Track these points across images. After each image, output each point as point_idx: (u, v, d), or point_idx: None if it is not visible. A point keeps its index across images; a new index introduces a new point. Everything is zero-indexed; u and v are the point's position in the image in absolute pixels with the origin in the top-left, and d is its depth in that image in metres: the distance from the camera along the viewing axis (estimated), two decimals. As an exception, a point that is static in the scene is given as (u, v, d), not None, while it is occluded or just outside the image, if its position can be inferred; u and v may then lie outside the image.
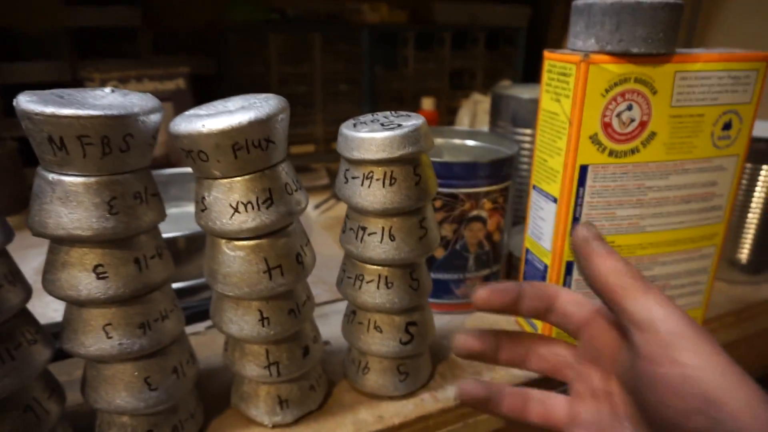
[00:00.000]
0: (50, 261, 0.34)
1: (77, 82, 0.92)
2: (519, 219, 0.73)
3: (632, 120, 0.44)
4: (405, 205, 0.38)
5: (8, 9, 1.03)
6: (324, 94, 1.19)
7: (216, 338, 0.53)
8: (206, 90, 1.08)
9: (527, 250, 0.53)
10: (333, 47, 1.19)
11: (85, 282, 0.33)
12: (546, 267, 0.49)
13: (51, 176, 0.31)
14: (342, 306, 0.59)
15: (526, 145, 0.72)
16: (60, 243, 0.33)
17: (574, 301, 0.32)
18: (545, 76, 0.48)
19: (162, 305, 0.36)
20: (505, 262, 0.61)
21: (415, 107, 1.27)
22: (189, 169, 0.78)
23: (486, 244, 0.57)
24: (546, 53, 0.48)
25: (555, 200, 0.47)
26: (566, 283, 0.49)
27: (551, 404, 0.33)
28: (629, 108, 0.44)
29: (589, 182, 0.45)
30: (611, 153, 0.45)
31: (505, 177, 0.56)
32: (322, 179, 1.01)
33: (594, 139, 0.44)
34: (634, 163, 0.45)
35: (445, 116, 1.29)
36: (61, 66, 0.95)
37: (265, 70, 1.14)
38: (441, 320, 0.57)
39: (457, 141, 0.66)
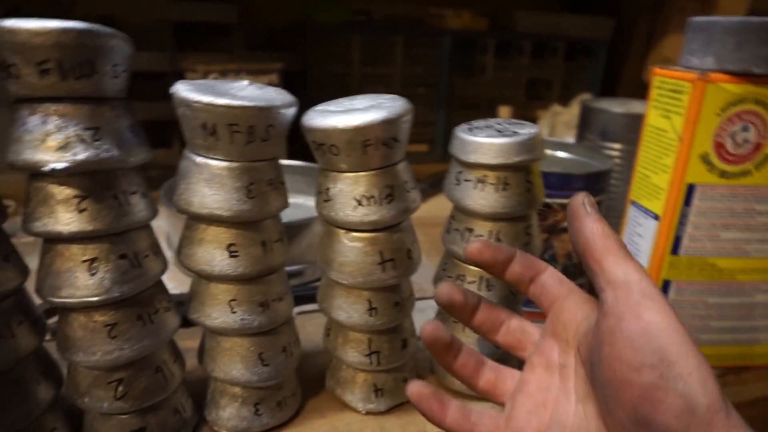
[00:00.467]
0: (187, 237, 0.37)
1: (177, 73, 0.98)
2: (602, 233, 0.72)
3: (746, 141, 0.44)
4: (515, 210, 0.39)
5: (116, 0, 1.11)
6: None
7: (305, 323, 0.55)
8: (290, 86, 1.12)
9: (619, 265, 0.53)
10: (414, 51, 1.20)
11: (218, 259, 0.35)
12: (640, 283, 0.49)
13: (198, 159, 0.34)
14: (427, 304, 0.61)
15: (616, 160, 0.71)
16: (199, 221, 0.36)
17: (557, 278, 0.34)
18: (654, 92, 0.48)
19: (279, 287, 0.39)
20: (589, 275, 0.61)
21: (490, 115, 1.27)
22: (289, 162, 0.81)
23: (575, 256, 0.57)
24: (656, 70, 0.48)
25: (657, 217, 0.47)
26: (661, 301, 0.48)
27: (503, 375, 0.34)
28: (745, 129, 0.43)
29: (695, 201, 0.45)
30: (722, 174, 0.44)
31: (600, 191, 0.55)
32: (397, 180, 1.03)
33: (704, 158, 0.44)
34: (744, 186, 0.45)
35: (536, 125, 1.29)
36: (161, 57, 1.01)
37: (346, 69, 1.17)
38: (522, 327, 0.57)
39: (548, 151, 0.66)
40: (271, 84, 0.91)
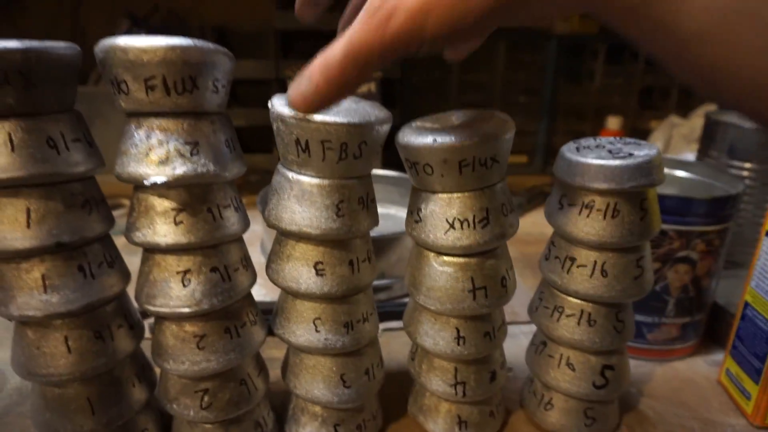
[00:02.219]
0: (276, 252, 0.36)
1: (280, 81, 1.01)
2: (727, 264, 0.64)
3: None
4: (625, 240, 0.35)
5: (227, 10, 1.16)
6: (502, 105, 1.17)
7: (390, 341, 0.54)
8: (388, 94, 1.12)
9: (747, 305, 0.46)
10: (516, 56, 1.16)
11: (305, 276, 0.35)
12: (774, 329, 0.42)
13: (291, 175, 0.34)
14: (519, 329, 0.57)
15: (746, 182, 0.63)
16: (288, 237, 0.35)
17: None
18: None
19: (364, 307, 0.38)
20: (708, 311, 0.54)
21: (596, 124, 1.19)
22: (374, 171, 0.81)
23: (691, 289, 0.51)
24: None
25: (799, 254, 0.40)
26: (800, 351, 0.41)
27: None
28: None
29: None
30: None
31: (726, 218, 0.49)
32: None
33: None
34: None
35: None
36: (266, 64, 1.05)
37: (445, 76, 1.15)
38: (627, 364, 0.52)
39: (664, 170, 0.59)
40: (369, 92, 0.91)
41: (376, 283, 0.61)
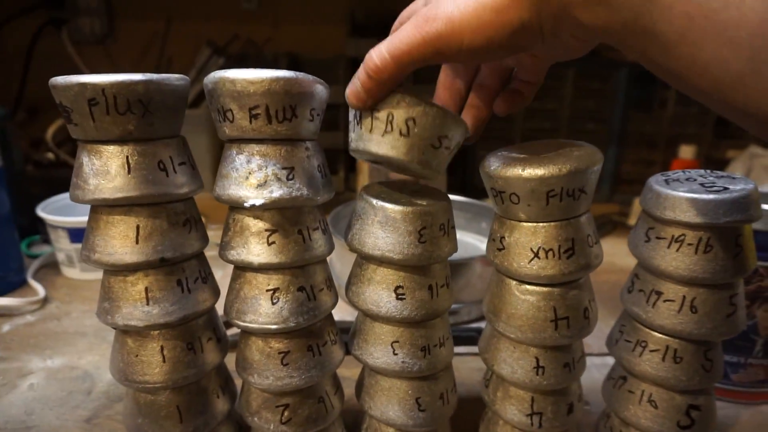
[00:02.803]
0: (357, 275, 0.37)
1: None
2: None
3: None
4: (718, 277, 0.34)
5: (301, 38, 1.22)
6: (569, 132, 1.15)
7: (458, 366, 0.54)
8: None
9: None
10: (585, 84, 1.14)
11: (385, 300, 0.35)
12: None
13: (375, 201, 0.35)
14: (591, 361, 0.56)
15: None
16: (370, 261, 0.36)
17: None
18: None
19: (441, 332, 0.38)
20: (800, 354, 0.51)
21: (670, 154, 1.15)
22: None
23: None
24: None
25: None
26: None
27: None
28: None
29: None
30: None
31: (822, 255, 0.46)
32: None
33: None
34: None
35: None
36: (337, 89, 1.08)
37: (511, 103, 1.15)
38: (709, 406, 0.50)
39: (750, 203, 0.57)
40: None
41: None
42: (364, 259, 0.37)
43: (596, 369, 0.56)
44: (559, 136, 1.15)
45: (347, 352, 0.39)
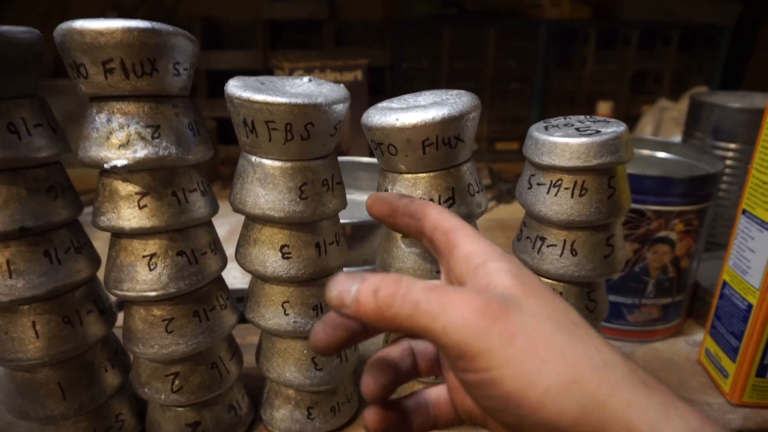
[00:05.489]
0: (244, 236, 0.36)
1: (268, 70, 1.01)
2: (710, 245, 0.64)
3: None
4: (594, 218, 0.35)
5: (215, 1, 1.16)
6: (492, 92, 1.16)
7: (372, 326, 0.54)
8: (378, 82, 1.12)
9: (725, 284, 0.46)
10: (507, 43, 1.15)
11: (271, 260, 0.35)
12: (750, 306, 0.42)
13: (253, 158, 0.34)
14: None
15: (729, 162, 0.63)
16: (254, 221, 0.35)
17: (442, 231, 0.26)
18: (776, 85, 0.41)
19: (335, 290, 0.37)
20: (690, 292, 0.54)
21: (588, 111, 1.19)
22: (357, 158, 0.81)
23: (671, 269, 0.50)
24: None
25: (773, 231, 0.40)
26: (775, 329, 0.41)
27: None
28: None
29: (824, 215, 0.38)
30: None
31: (705, 197, 0.49)
32: (484, 179, 0.99)
33: (839, 163, 0.37)
34: None
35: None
36: (255, 55, 1.05)
37: (436, 64, 1.15)
38: (607, 346, 0.52)
39: (646, 152, 0.59)
40: (356, 80, 0.91)
41: (360, 268, 0.61)
42: (249, 219, 0.36)
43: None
44: (484, 97, 1.16)
45: (242, 316, 0.39)
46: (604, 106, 1.06)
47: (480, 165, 1.06)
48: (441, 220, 0.27)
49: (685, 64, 1.24)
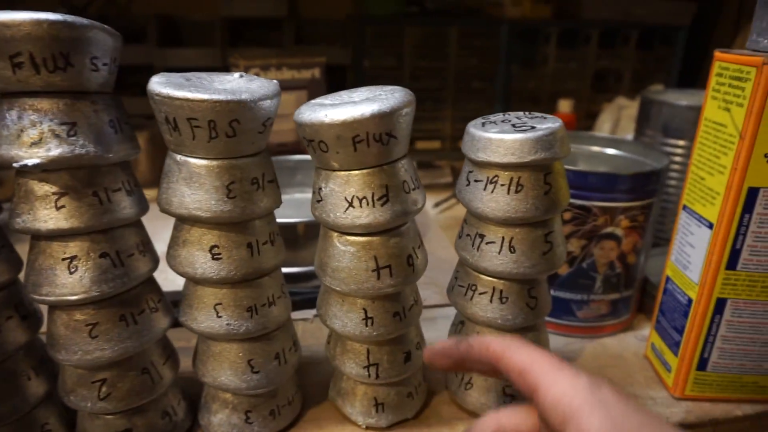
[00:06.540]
0: (173, 237, 0.35)
1: (226, 68, 0.99)
2: (660, 241, 0.65)
3: (825, 138, 0.36)
4: (530, 215, 0.35)
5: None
6: (455, 91, 1.16)
7: (323, 327, 0.53)
8: (338, 80, 1.11)
9: (668, 279, 0.47)
10: (469, 42, 1.15)
11: (201, 261, 0.34)
12: (690, 301, 0.43)
13: (179, 157, 0.32)
14: (452, 311, 0.57)
15: (678, 159, 0.64)
16: (182, 221, 0.34)
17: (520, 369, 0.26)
18: (713, 80, 0.42)
19: (270, 291, 0.37)
20: (639, 287, 0.55)
21: (551, 109, 1.20)
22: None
23: (618, 265, 0.51)
24: (717, 53, 0.41)
25: (710, 226, 0.40)
26: (714, 322, 0.42)
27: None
28: (822, 124, 0.36)
29: (758, 209, 0.38)
30: (791, 176, 0.37)
31: (650, 193, 0.49)
32: (446, 177, 0.99)
33: (770, 158, 0.37)
34: (821, 191, 0.37)
35: (584, 121, 1.20)
36: (213, 52, 1.03)
37: (398, 63, 1.14)
38: (557, 342, 0.52)
39: (596, 149, 0.60)
40: (313, 78, 0.89)
41: (307, 269, 0.60)
42: (178, 220, 0.35)
43: (443, 320, 0.57)
44: (447, 96, 1.16)
45: (176, 319, 0.37)
46: (564, 104, 1.06)
47: (443, 163, 1.06)
48: (510, 359, 0.26)
49: (644, 63, 1.26)
